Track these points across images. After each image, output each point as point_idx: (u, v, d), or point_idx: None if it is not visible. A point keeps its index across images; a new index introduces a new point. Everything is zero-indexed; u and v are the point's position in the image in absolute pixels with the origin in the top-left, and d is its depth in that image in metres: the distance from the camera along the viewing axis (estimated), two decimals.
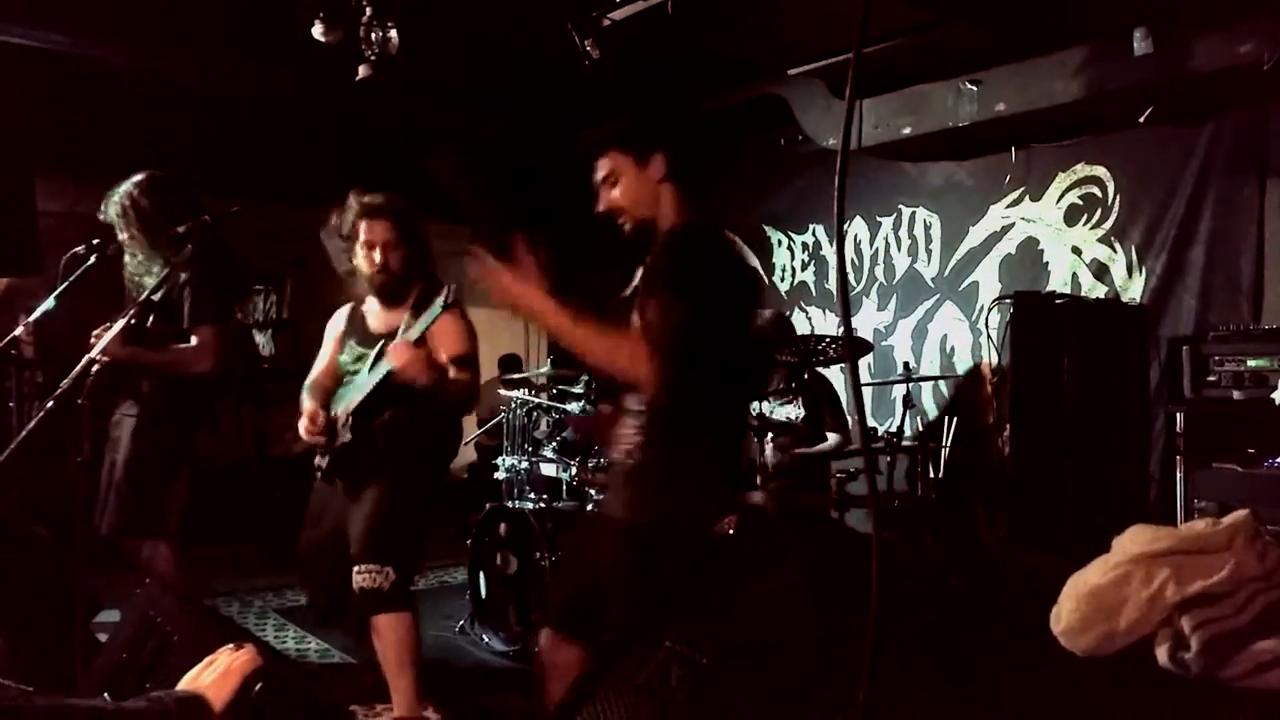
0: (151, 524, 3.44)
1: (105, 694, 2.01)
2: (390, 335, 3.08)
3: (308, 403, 3.22)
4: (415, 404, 3.05)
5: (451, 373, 3.08)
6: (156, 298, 3.23)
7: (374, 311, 3.26)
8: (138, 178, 3.51)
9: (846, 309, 1.51)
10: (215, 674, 1.68)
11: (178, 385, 3.45)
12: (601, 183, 2.46)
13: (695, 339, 2.17)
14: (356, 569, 3.00)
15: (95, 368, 2.99)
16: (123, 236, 3.46)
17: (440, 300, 2.91)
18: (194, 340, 3.41)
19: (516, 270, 2.24)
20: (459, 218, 5.95)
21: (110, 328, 3.26)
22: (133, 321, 3.14)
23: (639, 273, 2.43)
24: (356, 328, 3.28)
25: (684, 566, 2.31)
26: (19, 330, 3.62)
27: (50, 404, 2.82)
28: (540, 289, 2.25)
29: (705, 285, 2.21)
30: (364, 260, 3.15)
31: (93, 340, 3.35)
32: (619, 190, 2.43)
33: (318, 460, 3.20)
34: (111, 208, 3.50)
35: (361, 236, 3.13)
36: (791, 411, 4.78)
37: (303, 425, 3.17)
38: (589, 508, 2.41)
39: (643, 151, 2.42)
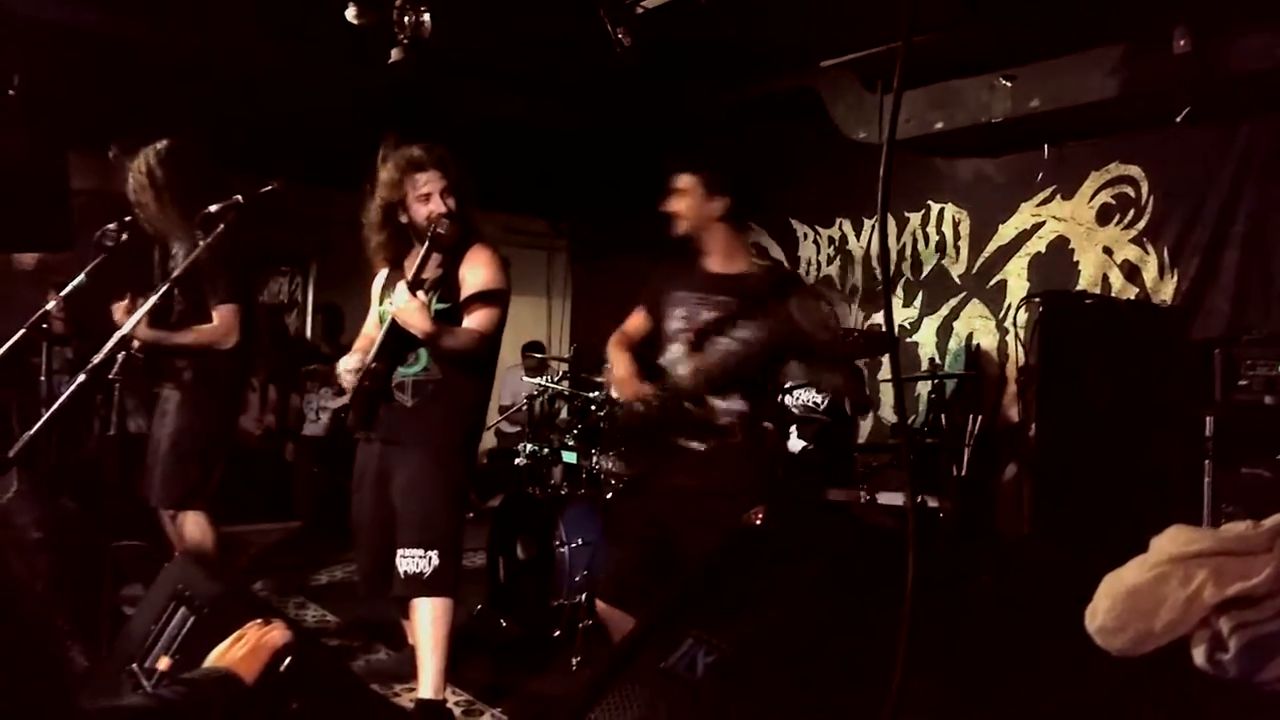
0: (196, 496, 3.54)
1: (134, 664, 2.03)
2: (430, 281, 3.10)
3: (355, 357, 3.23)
4: (438, 356, 3.06)
5: (470, 309, 3.08)
6: (181, 276, 3.25)
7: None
8: (156, 146, 3.52)
9: (889, 301, 1.49)
10: (244, 649, 1.68)
11: (213, 362, 3.53)
12: (675, 189, 3.05)
13: None
14: (401, 552, 3.04)
15: (133, 346, 3.03)
16: (143, 208, 3.48)
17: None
18: (215, 319, 3.48)
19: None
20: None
21: (132, 305, 3.30)
22: (158, 302, 3.15)
23: (721, 299, 2.98)
24: (394, 281, 3.21)
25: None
26: (50, 305, 3.66)
27: (81, 378, 2.84)
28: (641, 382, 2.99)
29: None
30: (419, 212, 3.11)
31: (115, 316, 3.40)
32: (684, 204, 3.04)
33: (336, 403, 3.18)
34: (132, 181, 3.51)
35: (417, 190, 3.10)
36: (816, 397, 4.76)
37: (345, 372, 3.16)
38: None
39: (712, 189, 3.03)
